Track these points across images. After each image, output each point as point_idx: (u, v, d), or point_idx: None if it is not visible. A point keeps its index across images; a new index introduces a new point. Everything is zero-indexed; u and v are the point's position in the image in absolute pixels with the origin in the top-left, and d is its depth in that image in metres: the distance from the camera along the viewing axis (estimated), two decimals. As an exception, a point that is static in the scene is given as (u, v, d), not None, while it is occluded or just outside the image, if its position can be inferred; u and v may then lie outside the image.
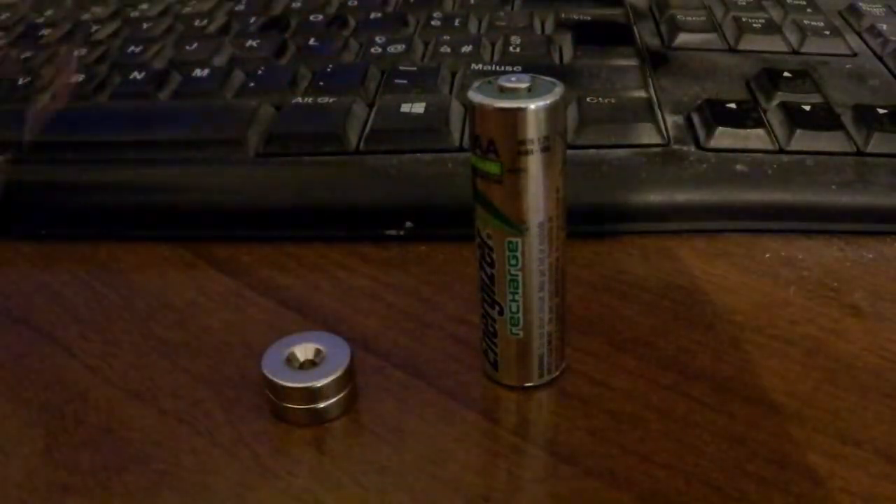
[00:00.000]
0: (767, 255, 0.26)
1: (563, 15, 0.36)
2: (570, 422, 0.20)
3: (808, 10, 0.37)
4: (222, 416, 0.21)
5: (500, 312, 0.20)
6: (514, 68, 0.32)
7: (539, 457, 0.19)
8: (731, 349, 0.22)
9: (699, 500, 0.18)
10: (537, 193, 0.19)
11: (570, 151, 0.28)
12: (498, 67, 0.32)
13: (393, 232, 0.27)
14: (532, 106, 0.18)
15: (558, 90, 0.18)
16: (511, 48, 0.33)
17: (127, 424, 0.21)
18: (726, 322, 0.23)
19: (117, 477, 0.19)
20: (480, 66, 0.32)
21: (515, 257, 0.19)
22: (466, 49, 0.33)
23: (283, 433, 0.20)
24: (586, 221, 0.27)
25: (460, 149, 0.28)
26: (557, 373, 0.21)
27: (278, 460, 0.19)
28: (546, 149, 0.18)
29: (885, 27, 0.35)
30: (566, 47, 0.34)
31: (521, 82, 0.18)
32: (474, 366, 0.22)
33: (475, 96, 0.18)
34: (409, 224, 0.27)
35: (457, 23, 0.36)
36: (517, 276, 0.19)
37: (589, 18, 0.36)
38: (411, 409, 0.21)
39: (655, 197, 0.27)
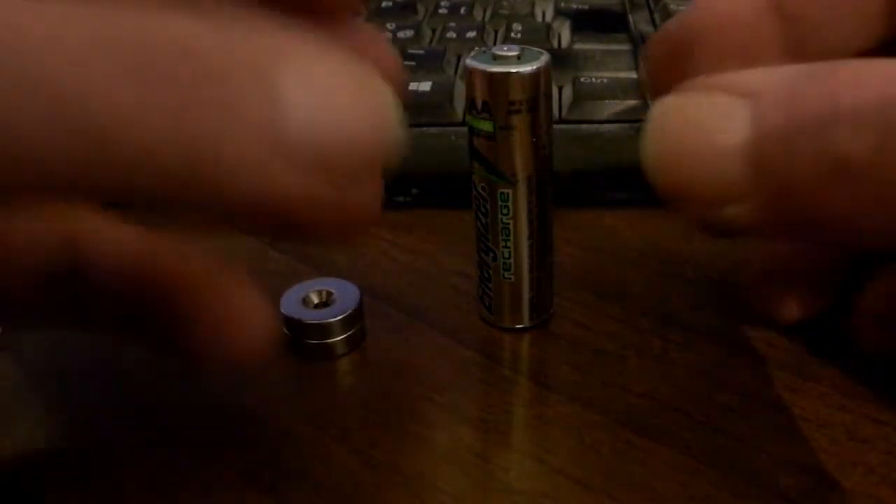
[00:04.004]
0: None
1: (562, 4, 0.39)
2: (556, 358, 0.22)
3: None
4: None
5: (494, 258, 0.22)
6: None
7: (528, 386, 0.22)
8: (708, 300, 0.24)
9: (669, 422, 0.20)
10: (526, 149, 0.21)
11: (565, 126, 0.30)
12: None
13: (401, 198, 0.29)
14: (520, 70, 0.20)
15: (544, 58, 0.21)
16: (513, 34, 0.36)
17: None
18: (705, 278, 0.25)
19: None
20: (484, 50, 0.34)
21: (507, 207, 0.21)
22: (471, 35, 0.36)
23: (299, 365, 0.22)
24: (579, 190, 0.29)
25: (463, 123, 0.30)
26: (546, 316, 0.23)
27: (295, 387, 0.22)
28: (533, 109, 0.20)
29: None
30: (564, 34, 0.36)
31: (511, 51, 0.21)
32: (471, 311, 0.24)
33: (471, 63, 0.20)
34: (415, 191, 0.29)
35: (462, 11, 0.38)
36: (508, 224, 0.22)
37: (587, 7, 0.38)
38: (414, 347, 0.23)
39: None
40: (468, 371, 0.22)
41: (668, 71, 0.18)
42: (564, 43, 0.36)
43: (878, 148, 0.14)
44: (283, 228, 0.14)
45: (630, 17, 0.38)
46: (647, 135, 0.17)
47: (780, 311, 0.23)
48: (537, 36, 0.36)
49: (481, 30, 0.36)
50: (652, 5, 0.39)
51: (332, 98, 0.13)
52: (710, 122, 0.16)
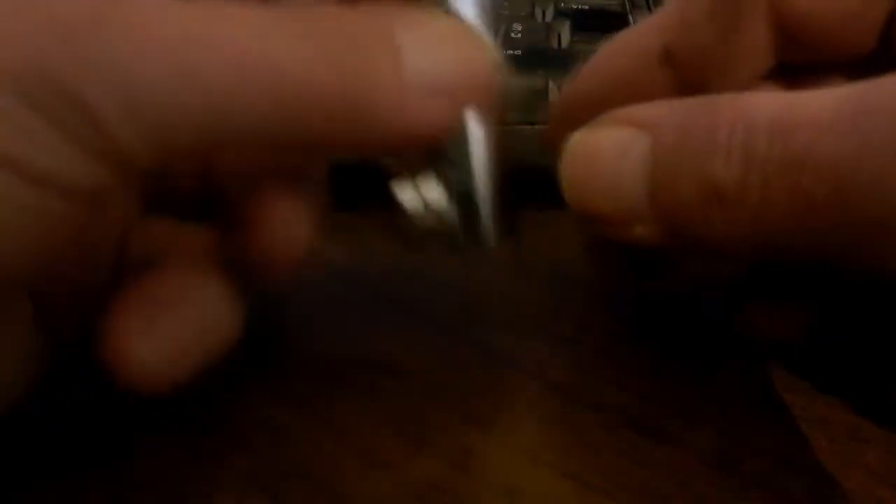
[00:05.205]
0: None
1: (562, 4, 0.39)
2: (556, 357, 0.22)
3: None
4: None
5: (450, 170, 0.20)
6: (515, 52, 0.34)
7: (528, 386, 0.22)
8: (707, 299, 0.24)
9: (669, 422, 0.20)
10: None
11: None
12: (500, 51, 0.34)
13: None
14: None
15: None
16: (513, 34, 0.36)
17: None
18: (705, 277, 0.26)
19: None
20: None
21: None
22: (471, 35, 0.36)
23: (298, 366, 0.22)
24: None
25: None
26: (516, 240, 0.21)
27: (295, 387, 0.22)
28: None
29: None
30: (564, 34, 0.36)
31: None
32: (471, 310, 0.24)
33: None
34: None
35: (462, 11, 0.38)
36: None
37: (587, 7, 0.38)
38: (413, 346, 0.23)
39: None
40: (468, 370, 0.22)
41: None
42: (564, 43, 0.36)
43: (742, 176, 0.16)
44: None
45: (630, 17, 0.38)
46: (563, 164, 0.19)
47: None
48: (537, 36, 0.36)
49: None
50: (652, 5, 0.39)
51: (441, 40, 0.17)
52: (615, 151, 0.18)
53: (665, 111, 0.18)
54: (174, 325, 0.19)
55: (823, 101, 0.16)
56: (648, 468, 0.19)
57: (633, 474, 0.19)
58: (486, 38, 0.19)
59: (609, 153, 0.18)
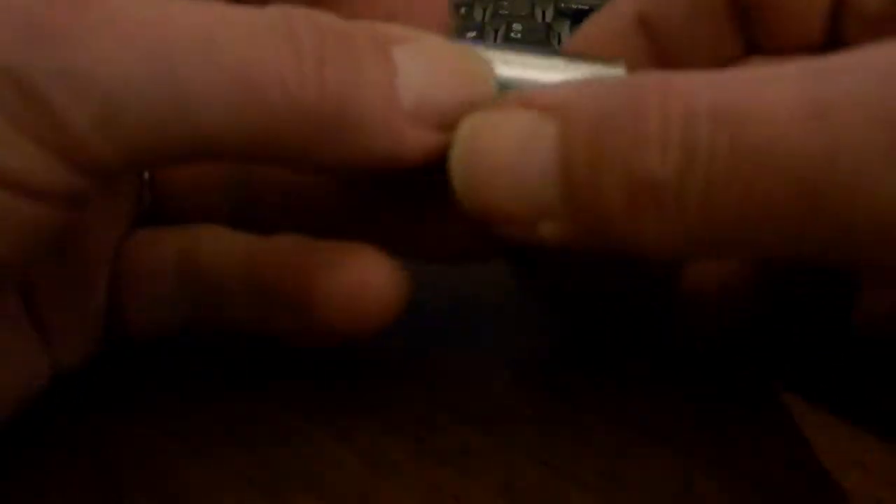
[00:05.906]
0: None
1: (562, 4, 0.39)
2: (555, 358, 0.23)
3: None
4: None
5: None
6: (515, 52, 0.34)
7: (527, 386, 0.22)
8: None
9: (669, 422, 0.20)
10: None
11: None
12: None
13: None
14: None
15: None
16: (513, 34, 0.36)
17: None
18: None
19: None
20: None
21: None
22: (471, 35, 0.36)
23: (299, 367, 0.22)
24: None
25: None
26: None
27: (294, 387, 0.22)
28: None
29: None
30: (564, 34, 0.36)
31: None
32: (475, 311, 0.24)
33: None
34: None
35: (463, 11, 0.39)
36: None
37: (587, 7, 0.38)
38: (412, 347, 0.23)
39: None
40: (467, 371, 0.22)
41: None
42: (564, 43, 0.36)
43: (681, 172, 0.14)
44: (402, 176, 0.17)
45: (630, 18, 0.38)
46: (455, 154, 0.17)
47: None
48: (537, 36, 0.36)
49: (481, 29, 0.36)
50: (652, 5, 0.39)
51: (440, 63, 0.16)
52: (516, 140, 0.16)
53: (575, 94, 0.16)
54: None
55: (779, 89, 0.14)
56: (648, 468, 0.19)
57: (633, 474, 0.19)
58: (483, 60, 0.17)
59: (508, 142, 0.16)
